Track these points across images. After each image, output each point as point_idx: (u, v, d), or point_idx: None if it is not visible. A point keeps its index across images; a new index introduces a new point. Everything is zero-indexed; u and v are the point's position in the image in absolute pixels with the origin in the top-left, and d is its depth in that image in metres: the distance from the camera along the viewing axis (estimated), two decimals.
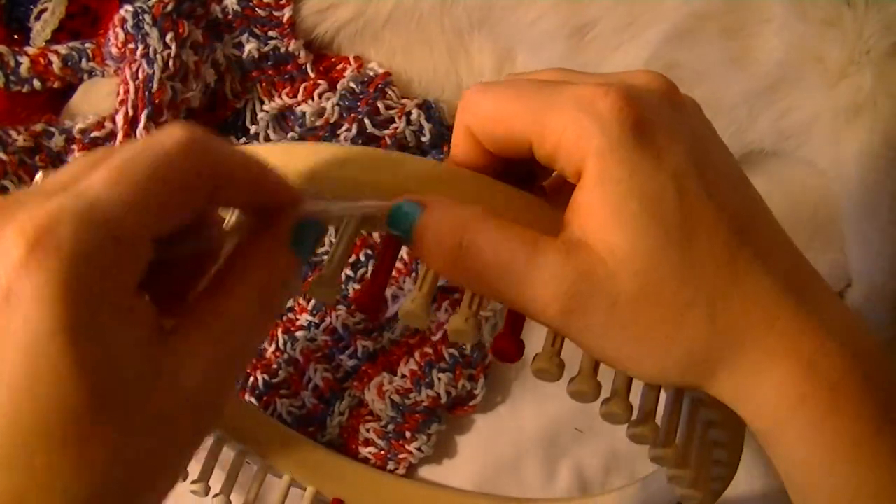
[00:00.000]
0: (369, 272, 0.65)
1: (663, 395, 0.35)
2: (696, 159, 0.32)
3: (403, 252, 0.59)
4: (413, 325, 0.33)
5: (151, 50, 0.61)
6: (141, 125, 0.61)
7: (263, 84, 0.67)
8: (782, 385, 0.31)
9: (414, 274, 0.64)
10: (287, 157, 0.33)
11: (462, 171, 0.35)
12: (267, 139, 0.67)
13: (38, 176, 0.35)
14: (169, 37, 0.62)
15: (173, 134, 0.28)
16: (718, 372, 0.31)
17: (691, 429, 0.37)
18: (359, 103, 0.65)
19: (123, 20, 0.63)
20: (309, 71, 0.66)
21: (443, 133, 0.65)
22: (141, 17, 0.62)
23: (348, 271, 0.66)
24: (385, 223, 0.33)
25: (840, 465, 0.30)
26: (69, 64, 0.66)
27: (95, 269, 0.25)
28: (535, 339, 0.35)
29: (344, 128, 0.65)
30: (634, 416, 0.34)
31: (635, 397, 0.34)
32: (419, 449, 0.64)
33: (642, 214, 0.30)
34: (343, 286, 0.65)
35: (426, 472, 0.66)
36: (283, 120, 0.67)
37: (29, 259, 0.24)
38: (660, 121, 0.32)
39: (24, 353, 0.24)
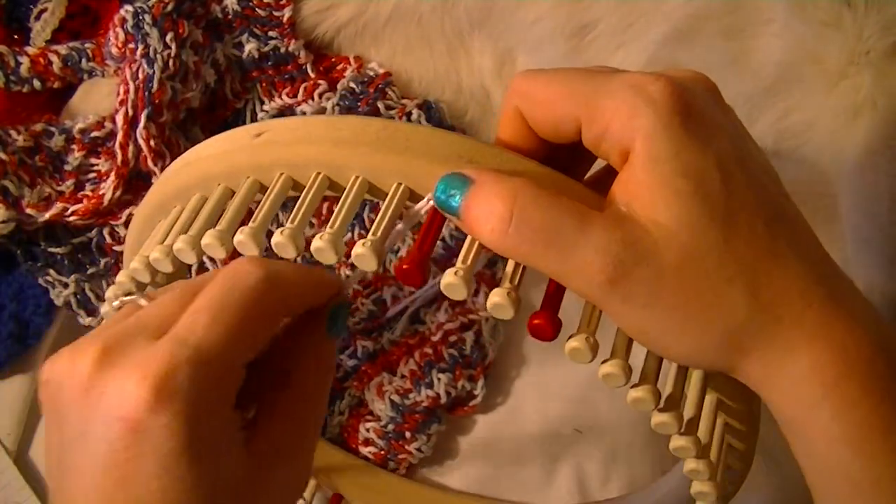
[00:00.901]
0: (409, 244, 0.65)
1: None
2: (737, 148, 0.33)
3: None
4: (454, 297, 0.33)
5: (151, 50, 0.61)
6: (140, 125, 0.61)
7: (263, 84, 0.67)
8: (818, 364, 0.31)
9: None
10: (348, 132, 0.35)
11: (508, 150, 0.35)
12: None
13: (113, 305, 0.39)
14: (169, 37, 0.62)
15: (253, 273, 0.34)
16: (753, 350, 0.32)
17: (712, 423, 0.37)
18: (359, 103, 0.65)
19: (123, 20, 0.63)
20: (309, 71, 0.66)
21: None
22: (141, 17, 0.62)
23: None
24: (435, 202, 0.33)
25: (872, 445, 0.31)
26: (69, 64, 0.66)
27: (208, 403, 0.32)
28: (567, 321, 0.35)
29: None
30: (661, 405, 0.34)
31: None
32: (419, 449, 0.64)
33: (689, 191, 0.31)
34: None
35: (426, 472, 0.66)
36: None
37: (156, 402, 0.31)
38: (706, 109, 0.33)
39: (156, 469, 0.31)
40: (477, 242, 0.34)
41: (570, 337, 0.33)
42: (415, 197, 0.35)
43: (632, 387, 0.34)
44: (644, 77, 0.33)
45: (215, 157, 0.38)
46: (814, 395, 0.32)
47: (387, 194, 0.35)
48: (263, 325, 0.35)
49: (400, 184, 0.34)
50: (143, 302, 0.37)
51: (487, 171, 0.33)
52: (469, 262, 0.33)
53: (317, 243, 0.33)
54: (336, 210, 0.35)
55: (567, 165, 0.37)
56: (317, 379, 0.38)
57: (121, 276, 0.39)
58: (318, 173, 0.35)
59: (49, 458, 0.35)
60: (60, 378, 0.33)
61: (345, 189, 0.35)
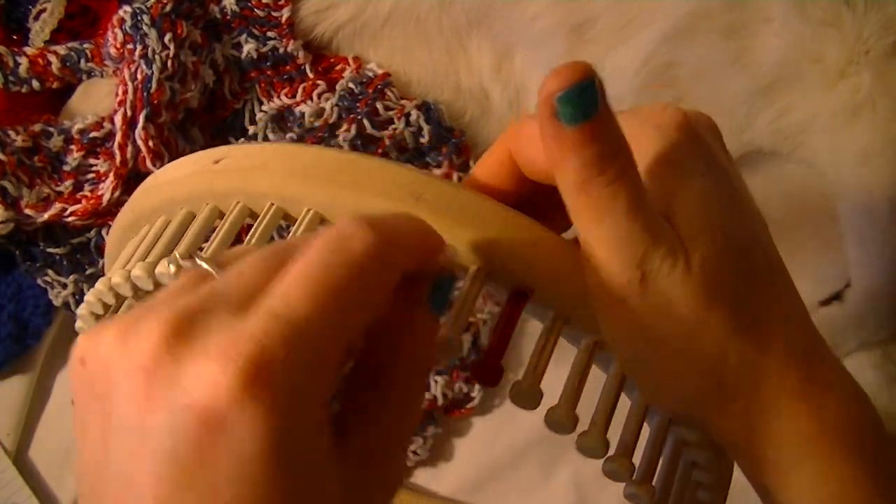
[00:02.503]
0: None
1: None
2: (737, 190, 0.33)
3: None
4: (522, 406, 0.32)
5: (150, 50, 0.61)
6: (139, 125, 0.61)
7: (262, 84, 0.67)
8: (796, 426, 0.31)
9: None
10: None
11: (468, 188, 0.34)
12: (265, 139, 0.66)
13: (171, 268, 0.34)
14: (167, 37, 0.62)
15: (362, 237, 0.27)
16: (735, 401, 0.31)
17: (672, 469, 0.36)
18: (358, 104, 0.65)
19: (122, 21, 0.63)
20: (308, 71, 0.66)
21: (441, 134, 0.65)
22: (139, 18, 0.62)
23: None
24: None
25: None
26: (68, 64, 0.66)
27: (303, 395, 0.25)
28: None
29: (343, 128, 0.65)
30: (611, 452, 0.34)
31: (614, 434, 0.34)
32: (415, 452, 0.64)
33: (707, 227, 0.31)
34: None
35: (422, 474, 0.66)
36: (281, 120, 0.67)
37: (243, 393, 0.24)
38: (711, 147, 0.33)
39: (230, 478, 0.24)
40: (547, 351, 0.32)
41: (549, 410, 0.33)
42: None
43: (578, 435, 0.33)
44: (651, 107, 0.33)
45: (178, 181, 0.37)
46: (791, 456, 0.31)
47: None
48: (373, 300, 0.28)
49: None
50: (209, 269, 0.29)
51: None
52: (539, 368, 0.32)
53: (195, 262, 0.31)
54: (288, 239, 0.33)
55: (542, 212, 0.36)
56: (416, 364, 0.30)
57: (89, 296, 0.38)
58: (272, 204, 0.34)
59: (85, 459, 0.27)
60: (108, 358, 0.26)
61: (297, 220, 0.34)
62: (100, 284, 0.37)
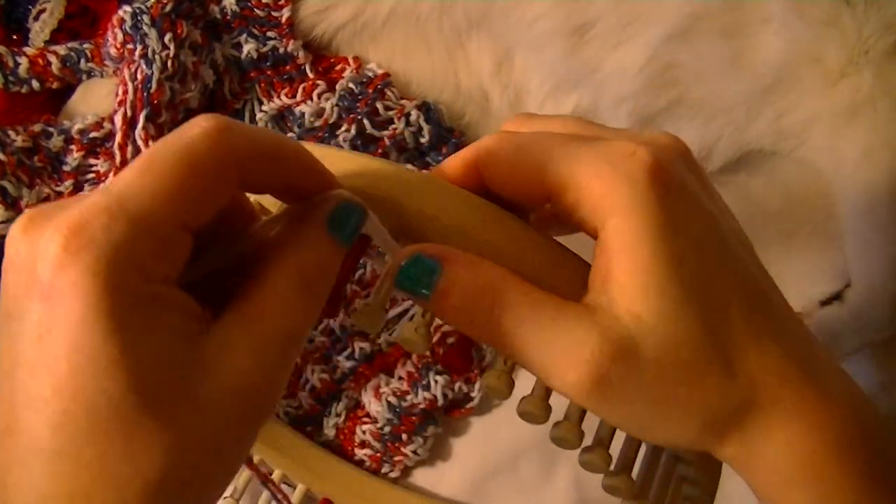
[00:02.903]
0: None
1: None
2: (715, 224, 0.32)
3: None
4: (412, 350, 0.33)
5: (150, 50, 0.61)
6: (139, 126, 0.61)
7: (262, 84, 0.67)
8: (793, 445, 0.31)
9: None
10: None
11: (494, 209, 0.33)
12: None
13: None
14: (167, 37, 0.62)
15: (198, 123, 0.28)
16: (731, 433, 0.32)
17: (665, 483, 0.37)
18: (358, 104, 0.65)
19: (122, 21, 0.63)
20: (308, 71, 0.66)
21: (441, 135, 0.65)
22: (139, 18, 0.62)
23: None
24: (398, 286, 0.31)
25: None
26: (68, 64, 0.66)
27: (130, 260, 0.26)
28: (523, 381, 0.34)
29: (343, 128, 0.65)
30: (612, 467, 0.34)
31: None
32: (415, 452, 0.64)
33: (666, 279, 0.30)
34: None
35: (422, 474, 0.66)
36: (282, 121, 0.67)
37: (64, 255, 0.25)
38: (685, 184, 0.32)
39: (65, 345, 0.25)
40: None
41: (522, 400, 0.34)
42: None
43: (582, 450, 0.34)
44: (621, 147, 0.32)
45: None
46: (789, 475, 0.31)
47: None
48: (207, 182, 0.28)
49: None
50: None
51: (457, 254, 0.32)
52: (419, 319, 0.33)
53: None
54: None
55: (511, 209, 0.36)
56: (299, 274, 0.29)
57: None
58: None
59: None
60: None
61: None
62: None
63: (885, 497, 0.31)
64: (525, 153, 0.33)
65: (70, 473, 0.25)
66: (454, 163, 0.35)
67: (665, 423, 0.32)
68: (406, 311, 0.65)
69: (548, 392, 0.33)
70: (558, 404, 0.34)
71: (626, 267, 0.30)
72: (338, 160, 0.32)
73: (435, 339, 0.64)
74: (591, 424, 0.34)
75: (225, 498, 0.59)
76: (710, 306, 0.31)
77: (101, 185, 0.28)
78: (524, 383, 0.34)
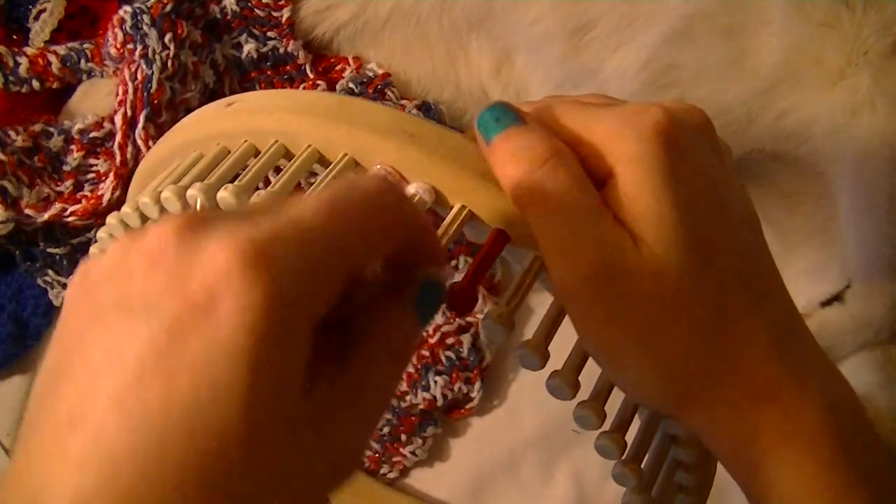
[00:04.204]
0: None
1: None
2: (717, 194, 0.33)
3: None
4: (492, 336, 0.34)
5: (150, 50, 0.61)
6: (139, 126, 0.61)
7: (262, 84, 0.67)
8: (760, 426, 0.31)
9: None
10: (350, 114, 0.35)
11: (453, 132, 0.36)
12: None
13: (200, 196, 0.36)
14: (167, 37, 0.62)
15: (373, 178, 0.29)
16: (699, 400, 0.32)
17: (659, 459, 0.37)
18: None
19: (122, 21, 0.63)
20: (308, 71, 0.66)
21: None
22: (140, 18, 0.62)
23: None
24: (478, 120, 0.33)
25: None
26: (68, 64, 0.66)
27: (299, 300, 0.25)
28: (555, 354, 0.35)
29: None
30: (607, 426, 0.35)
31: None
32: (413, 452, 0.64)
33: (672, 229, 0.31)
34: None
35: (421, 474, 0.66)
36: None
37: (242, 273, 0.23)
38: (691, 147, 0.33)
39: (198, 362, 0.23)
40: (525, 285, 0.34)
41: (552, 373, 0.34)
42: (359, 168, 0.36)
43: (578, 403, 0.34)
44: (635, 106, 0.33)
45: (193, 124, 0.41)
46: (755, 456, 0.32)
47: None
48: (378, 234, 0.28)
49: (346, 154, 0.35)
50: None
51: (538, 120, 0.33)
52: (513, 303, 0.34)
53: (222, 193, 0.34)
54: (280, 174, 0.36)
55: None
56: (392, 355, 0.29)
57: (110, 219, 0.40)
58: (275, 141, 0.37)
59: (57, 343, 0.26)
60: (111, 260, 0.26)
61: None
62: (126, 208, 0.39)
63: (855, 489, 0.31)
64: (544, 112, 0.34)
65: (131, 486, 0.23)
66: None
67: (635, 366, 0.32)
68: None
69: (580, 367, 0.34)
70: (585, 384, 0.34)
71: (637, 207, 0.31)
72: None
73: (434, 339, 0.64)
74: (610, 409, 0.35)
75: None
76: (712, 260, 0.32)
77: (270, 206, 0.26)
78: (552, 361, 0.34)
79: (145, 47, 0.61)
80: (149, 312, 0.24)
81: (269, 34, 0.66)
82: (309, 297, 0.25)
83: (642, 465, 0.36)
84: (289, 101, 0.37)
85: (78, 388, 0.24)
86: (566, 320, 0.33)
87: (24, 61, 0.65)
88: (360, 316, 0.30)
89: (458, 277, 0.33)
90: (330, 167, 0.35)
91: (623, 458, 0.35)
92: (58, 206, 0.63)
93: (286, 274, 0.24)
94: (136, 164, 0.63)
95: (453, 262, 0.66)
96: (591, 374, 0.34)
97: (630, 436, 0.36)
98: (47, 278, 0.66)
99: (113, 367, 0.24)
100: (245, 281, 0.23)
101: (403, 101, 0.66)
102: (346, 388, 0.28)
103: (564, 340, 0.34)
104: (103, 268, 0.26)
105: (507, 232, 0.34)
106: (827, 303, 0.63)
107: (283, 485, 0.25)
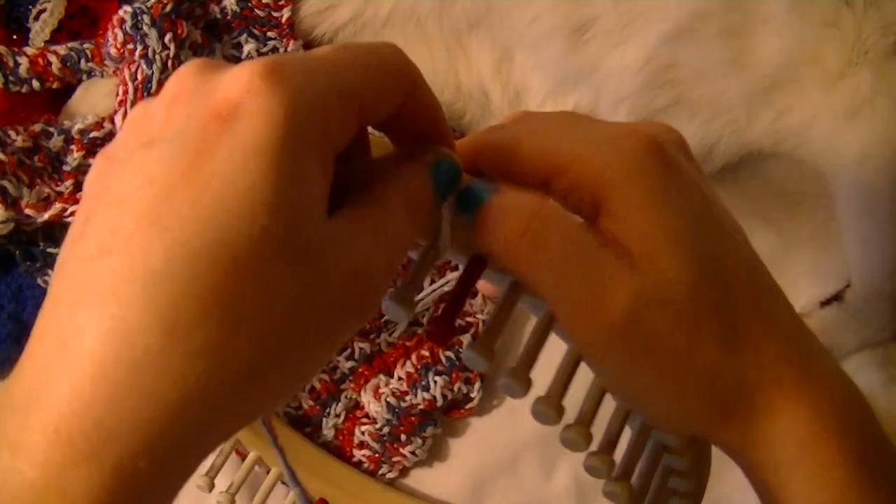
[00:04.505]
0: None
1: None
2: (711, 207, 0.33)
3: None
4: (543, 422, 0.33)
5: (150, 50, 0.61)
6: None
7: None
8: (794, 426, 0.31)
9: None
10: None
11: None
12: None
13: None
14: (168, 37, 0.62)
15: (382, 41, 0.29)
16: (735, 414, 0.31)
17: (650, 472, 0.36)
18: None
19: (122, 21, 0.63)
20: None
21: None
22: (140, 18, 0.62)
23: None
24: (455, 199, 0.32)
25: None
26: (68, 64, 0.66)
27: (318, 111, 0.26)
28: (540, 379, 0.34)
29: None
30: (595, 447, 0.34)
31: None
32: (413, 452, 0.64)
33: (678, 245, 0.31)
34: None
35: (421, 474, 0.66)
36: None
37: (260, 82, 0.24)
38: (682, 165, 0.32)
39: (228, 167, 0.24)
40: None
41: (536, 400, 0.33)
42: None
43: (564, 427, 0.33)
44: (620, 128, 0.33)
45: None
46: (790, 457, 0.31)
47: None
48: (389, 79, 0.28)
49: None
50: None
51: (509, 185, 0.32)
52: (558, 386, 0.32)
53: None
54: None
55: None
56: (407, 197, 0.30)
57: None
58: None
59: (80, 211, 0.26)
60: (131, 121, 0.27)
61: None
62: None
63: (877, 481, 0.31)
64: (525, 137, 0.33)
65: (172, 302, 0.23)
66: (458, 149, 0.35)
67: (672, 394, 0.31)
68: None
69: (562, 392, 0.33)
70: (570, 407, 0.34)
71: (640, 229, 0.30)
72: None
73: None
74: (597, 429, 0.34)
75: (221, 492, 0.59)
76: (720, 275, 0.31)
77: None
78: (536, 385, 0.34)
79: (145, 47, 0.61)
80: (174, 136, 0.25)
81: (270, 34, 0.66)
82: (326, 114, 0.26)
83: (633, 478, 0.36)
84: None
85: (107, 220, 0.24)
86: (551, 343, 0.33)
87: (24, 61, 0.65)
88: (380, 169, 0.31)
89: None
90: None
91: (613, 475, 0.34)
92: (58, 206, 0.63)
93: (304, 86, 0.25)
94: None
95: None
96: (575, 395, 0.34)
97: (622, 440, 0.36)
98: (47, 278, 0.66)
99: (142, 191, 0.24)
100: (267, 89, 0.24)
101: None
102: (365, 221, 0.28)
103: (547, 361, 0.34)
104: (123, 132, 0.27)
105: (482, 257, 0.33)
106: (827, 303, 0.63)
107: (307, 297, 0.26)
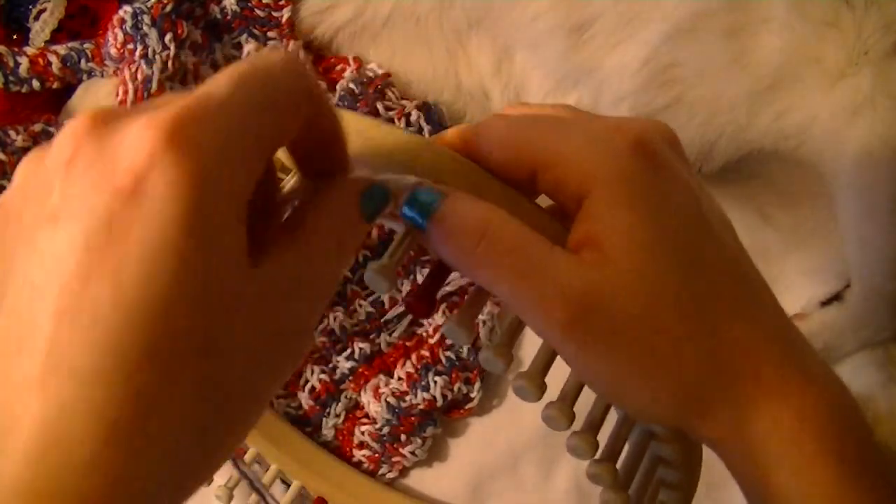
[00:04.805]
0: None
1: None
2: (698, 203, 0.33)
3: None
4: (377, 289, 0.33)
5: (150, 51, 0.61)
6: None
7: None
8: (776, 422, 0.31)
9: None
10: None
11: (483, 171, 0.34)
12: None
13: None
14: (168, 37, 0.62)
15: (278, 53, 0.28)
16: (711, 410, 0.32)
17: (637, 457, 0.36)
18: (358, 104, 0.65)
19: (122, 21, 0.63)
20: None
21: None
22: (140, 18, 0.62)
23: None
24: (400, 204, 0.32)
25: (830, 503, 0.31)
26: (68, 64, 0.66)
27: (223, 170, 0.25)
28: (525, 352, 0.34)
29: None
30: (578, 427, 0.34)
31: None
32: (413, 453, 0.63)
33: (651, 241, 0.31)
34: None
35: (420, 474, 0.66)
36: None
37: (165, 153, 0.23)
38: (667, 161, 0.33)
39: (145, 247, 0.23)
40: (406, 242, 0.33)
41: (517, 374, 0.33)
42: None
43: (545, 405, 0.34)
44: (606, 124, 0.33)
45: None
46: (772, 453, 0.31)
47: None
48: (288, 106, 0.28)
49: None
50: None
51: (458, 191, 0.32)
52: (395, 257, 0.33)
53: None
54: None
55: None
56: (334, 234, 0.30)
57: None
58: None
59: None
60: (23, 181, 0.25)
61: None
62: None
63: (862, 475, 0.31)
64: (514, 131, 0.34)
65: (106, 403, 0.23)
66: (451, 136, 0.35)
67: (640, 390, 0.31)
68: (404, 311, 0.65)
69: (545, 369, 0.33)
70: (553, 385, 0.34)
71: (613, 227, 0.31)
72: (351, 121, 0.33)
73: (433, 339, 0.64)
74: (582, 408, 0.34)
75: (219, 486, 0.60)
76: (695, 273, 0.31)
77: (175, 95, 0.26)
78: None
79: (145, 47, 0.61)
80: (79, 214, 0.24)
81: (270, 34, 0.66)
82: (232, 168, 0.25)
83: (620, 463, 0.36)
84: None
85: (20, 312, 0.24)
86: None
87: (24, 61, 0.65)
88: (302, 206, 0.30)
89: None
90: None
91: (597, 456, 0.35)
92: None
93: (208, 145, 0.24)
94: None
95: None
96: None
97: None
98: None
99: (53, 280, 0.23)
100: (171, 158, 0.23)
101: (403, 101, 0.65)
102: (293, 266, 0.28)
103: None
104: (16, 191, 0.25)
105: None
106: (827, 302, 0.63)
107: (241, 361, 0.26)
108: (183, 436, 0.24)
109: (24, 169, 0.26)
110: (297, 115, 0.28)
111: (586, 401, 0.34)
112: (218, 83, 0.26)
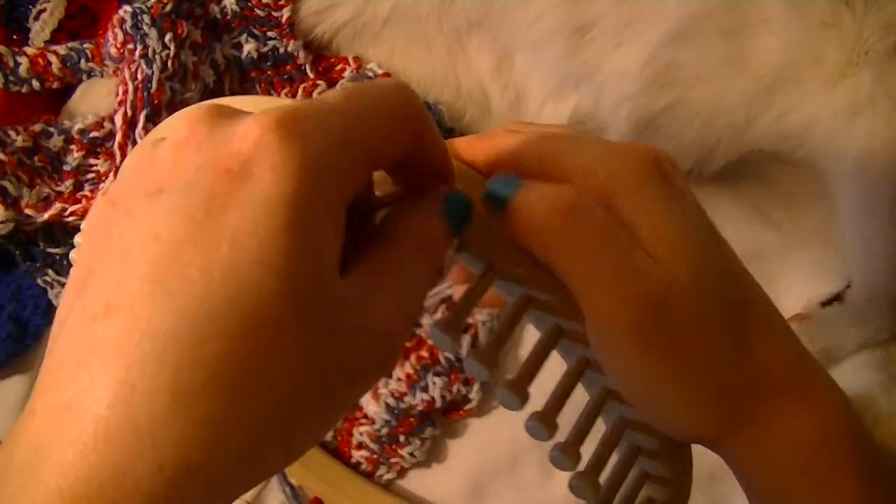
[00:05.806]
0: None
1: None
2: (706, 219, 0.33)
3: None
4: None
5: (150, 50, 0.61)
6: (139, 126, 0.61)
7: (262, 84, 0.67)
8: (802, 432, 0.31)
9: None
10: None
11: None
12: None
13: None
14: (168, 37, 0.62)
15: (390, 80, 0.29)
16: (747, 420, 0.32)
17: (623, 472, 0.36)
18: None
19: (122, 20, 0.63)
20: (308, 71, 0.66)
21: (442, 135, 0.65)
22: (140, 18, 0.62)
23: None
24: (487, 192, 0.32)
25: None
26: (68, 64, 0.66)
27: (330, 167, 0.25)
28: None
29: None
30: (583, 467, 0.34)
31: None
32: (412, 454, 0.63)
33: (692, 249, 0.31)
34: None
35: (419, 475, 0.66)
36: None
37: (274, 139, 0.24)
38: (677, 179, 0.33)
39: (241, 224, 0.23)
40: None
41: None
42: None
43: (556, 445, 0.33)
44: (620, 143, 0.34)
45: None
46: (797, 463, 0.31)
47: None
48: (397, 126, 0.28)
49: None
50: None
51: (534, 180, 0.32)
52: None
53: None
54: None
55: None
56: (420, 244, 0.30)
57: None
58: None
59: (81, 257, 0.26)
60: (134, 164, 0.26)
61: None
62: None
63: (873, 485, 0.32)
64: (532, 145, 0.34)
65: (177, 367, 0.23)
66: (466, 146, 0.35)
67: (680, 392, 0.31)
68: None
69: (558, 409, 0.33)
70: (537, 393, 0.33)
71: (658, 233, 0.31)
72: None
73: None
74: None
75: None
76: (730, 283, 0.32)
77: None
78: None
79: (145, 47, 0.62)
80: (182, 189, 0.24)
81: (269, 34, 0.66)
82: (337, 171, 0.26)
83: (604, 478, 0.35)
84: (272, 106, 0.36)
85: (111, 274, 0.24)
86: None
87: (24, 61, 0.66)
88: (390, 216, 0.30)
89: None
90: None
91: (580, 468, 0.34)
92: (58, 205, 0.63)
93: (315, 139, 0.25)
94: None
95: None
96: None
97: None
98: (47, 278, 0.66)
99: (148, 247, 0.23)
100: (279, 145, 0.24)
101: None
102: (381, 275, 0.28)
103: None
104: (123, 178, 0.26)
105: (495, 265, 0.33)
106: (827, 303, 0.63)
107: (327, 365, 0.25)
108: (250, 416, 0.24)
109: (137, 155, 0.26)
110: (407, 136, 0.28)
111: (574, 409, 0.34)
112: (333, 93, 0.27)
